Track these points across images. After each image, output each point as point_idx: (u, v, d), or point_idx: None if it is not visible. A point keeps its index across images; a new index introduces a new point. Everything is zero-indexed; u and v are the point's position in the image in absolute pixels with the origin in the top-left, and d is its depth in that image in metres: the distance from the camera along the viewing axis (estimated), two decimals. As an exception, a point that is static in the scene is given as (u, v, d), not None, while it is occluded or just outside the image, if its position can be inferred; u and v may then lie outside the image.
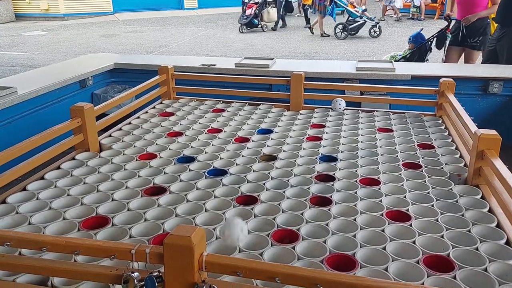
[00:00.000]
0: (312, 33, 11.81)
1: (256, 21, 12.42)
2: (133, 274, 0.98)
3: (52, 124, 1.91)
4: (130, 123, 2.42)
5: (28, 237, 1.08)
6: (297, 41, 10.83)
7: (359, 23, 10.96)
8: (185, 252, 0.93)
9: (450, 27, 5.04)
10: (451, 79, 2.45)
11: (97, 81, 3.97)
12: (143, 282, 0.97)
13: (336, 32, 11.02)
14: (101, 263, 1.18)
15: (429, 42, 5.42)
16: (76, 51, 9.54)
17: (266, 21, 12.65)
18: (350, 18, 11.09)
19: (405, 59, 5.49)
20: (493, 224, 1.40)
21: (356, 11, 11.09)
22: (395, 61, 4.86)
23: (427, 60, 5.52)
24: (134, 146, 2.07)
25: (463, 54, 4.93)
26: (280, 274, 0.93)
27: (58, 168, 1.85)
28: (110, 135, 2.23)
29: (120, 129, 2.33)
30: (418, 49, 5.45)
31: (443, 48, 5.25)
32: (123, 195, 1.61)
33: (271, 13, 12.63)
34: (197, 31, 12.41)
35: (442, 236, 1.34)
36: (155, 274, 0.98)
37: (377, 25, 10.93)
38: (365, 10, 11.59)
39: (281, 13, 12.94)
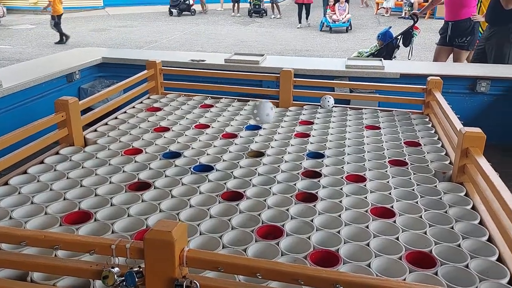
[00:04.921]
0: None
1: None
2: (113, 270, 0.96)
3: (38, 118, 1.88)
4: (116, 117, 2.39)
5: (7, 231, 1.06)
6: (288, 39, 10.82)
7: None
8: (165, 247, 0.92)
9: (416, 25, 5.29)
10: (439, 78, 2.46)
11: (84, 76, 3.93)
12: (123, 278, 0.96)
13: None
14: (82, 259, 1.17)
15: (397, 40, 5.50)
16: (64, 46, 9.42)
17: None
18: None
19: (373, 55, 5.54)
20: (476, 221, 1.41)
21: None
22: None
23: (395, 57, 5.61)
24: (120, 141, 2.05)
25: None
26: (261, 270, 0.92)
27: (42, 162, 1.82)
28: (95, 130, 2.21)
29: (106, 123, 2.30)
30: (386, 46, 5.51)
31: (410, 45, 5.45)
32: (106, 190, 1.59)
33: None
34: (188, 26, 12.33)
35: (425, 233, 1.34)
36: (136, 269, 0.97)
37: None
38: None
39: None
